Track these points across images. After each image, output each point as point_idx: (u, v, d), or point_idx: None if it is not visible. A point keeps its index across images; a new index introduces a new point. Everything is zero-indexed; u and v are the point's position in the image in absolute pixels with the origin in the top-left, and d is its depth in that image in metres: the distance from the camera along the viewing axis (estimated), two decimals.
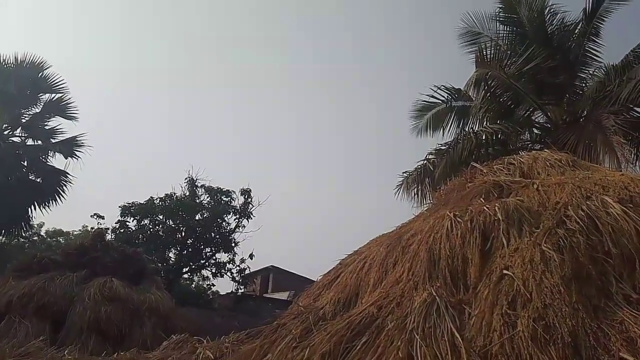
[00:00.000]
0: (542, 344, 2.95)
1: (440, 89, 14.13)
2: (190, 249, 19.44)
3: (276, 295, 21.52)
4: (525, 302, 3.23)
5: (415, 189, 14.06)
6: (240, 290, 20.22)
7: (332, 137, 44.57)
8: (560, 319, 3.05)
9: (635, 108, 11.24)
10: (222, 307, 19.24)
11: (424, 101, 14.69)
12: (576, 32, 12.56)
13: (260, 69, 43.56)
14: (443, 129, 14.58)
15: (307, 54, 44.37)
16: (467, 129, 13.85)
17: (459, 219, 4.31)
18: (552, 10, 12.39)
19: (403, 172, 14.30)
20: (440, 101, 14.38)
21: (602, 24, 12.23)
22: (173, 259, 19.51)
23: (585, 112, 11.86)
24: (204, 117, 41.97)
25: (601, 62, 12.28)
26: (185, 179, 19.83)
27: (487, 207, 4.32)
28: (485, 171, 5.80)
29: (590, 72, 12.53)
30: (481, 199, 4.95)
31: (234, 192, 19.73)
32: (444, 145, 13.54)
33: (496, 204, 4.31)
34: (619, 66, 11.46)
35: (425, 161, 13.89)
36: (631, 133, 10.59)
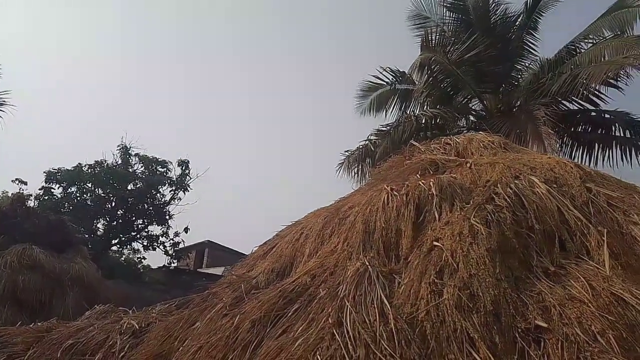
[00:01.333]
0: (466, 311, 3.05)
1: (386, 71, 14.29)
2: (120, 220, 18.61)
3: (211, 271, 21.20)
4: (452, 272, 3.32)
5: (356, 168, 14.27)
6: (173, 265, 19.71)
7: (283, 118, 44.04)
8: (484, 288, 3.16)
9: (564, 101, 11.96)
10: (154, 281, 18.69)
11: (370, 82, 14.82)
12: (517, 24, 13.06)
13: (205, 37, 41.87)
14: (386, 111, 14.82)
15: (256, 28, 43.18)
16: (409, 112, 14.16)
17: (395, 193, 4.35)
18: (496, 0, 12.79)
19: (345, 151, 14.44)
20: (385, 83, 14.56)
21: (540, 18, 12.81)
22: (102, 230, 18.60)
23: (519, 102, 12.45)
24: (146, 88, 39.88)
25: (537, 56, 12.91)
26: (118, 146, 18.83)
27: (422, 182, 4.39)
28: (423, 150, 5.91)
29: (527, 64, 13.14)
30: (417, 175, 5.04)
31: (171, 162, 19.02)
32: (386, 127, 13.77)
33: (431, 180, 4.39)
34: (552, 60, 12.08)
35: (367, 141, 14.10)
36: (558, 124, 11.25)
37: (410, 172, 5.29)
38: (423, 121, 13.22)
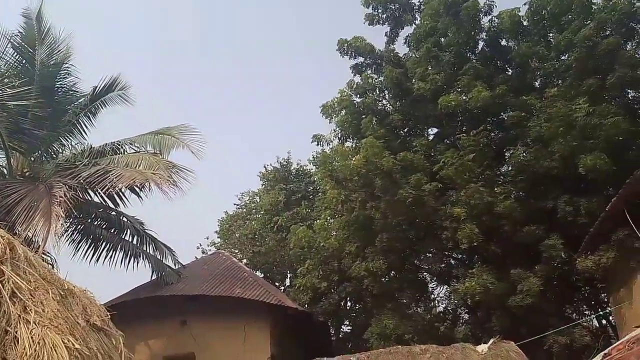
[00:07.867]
0: None
1: None
2: None
3: None
4: None
5: None
6: None
7: None
8: None
9: (90, 191, 11.84)
10: None
11: None
12: (79, 101, 12.81)
13: None
14: None
15: None
16: None
17: None
18: (66, 67, 12.31)
19: None
20: None
21: (103, 108, 12.95)
22: None
23: (46, 174, 11.57)
24: None
25: (86, 140, 12.70)
26: None
27: None
28: None
29: (73, 143, 12.71)
30: None
31: None
32: None
33: None
34: (95, 149, 12.15)
35: None
36: (74, 211, 10.98)
37: None
38: None
